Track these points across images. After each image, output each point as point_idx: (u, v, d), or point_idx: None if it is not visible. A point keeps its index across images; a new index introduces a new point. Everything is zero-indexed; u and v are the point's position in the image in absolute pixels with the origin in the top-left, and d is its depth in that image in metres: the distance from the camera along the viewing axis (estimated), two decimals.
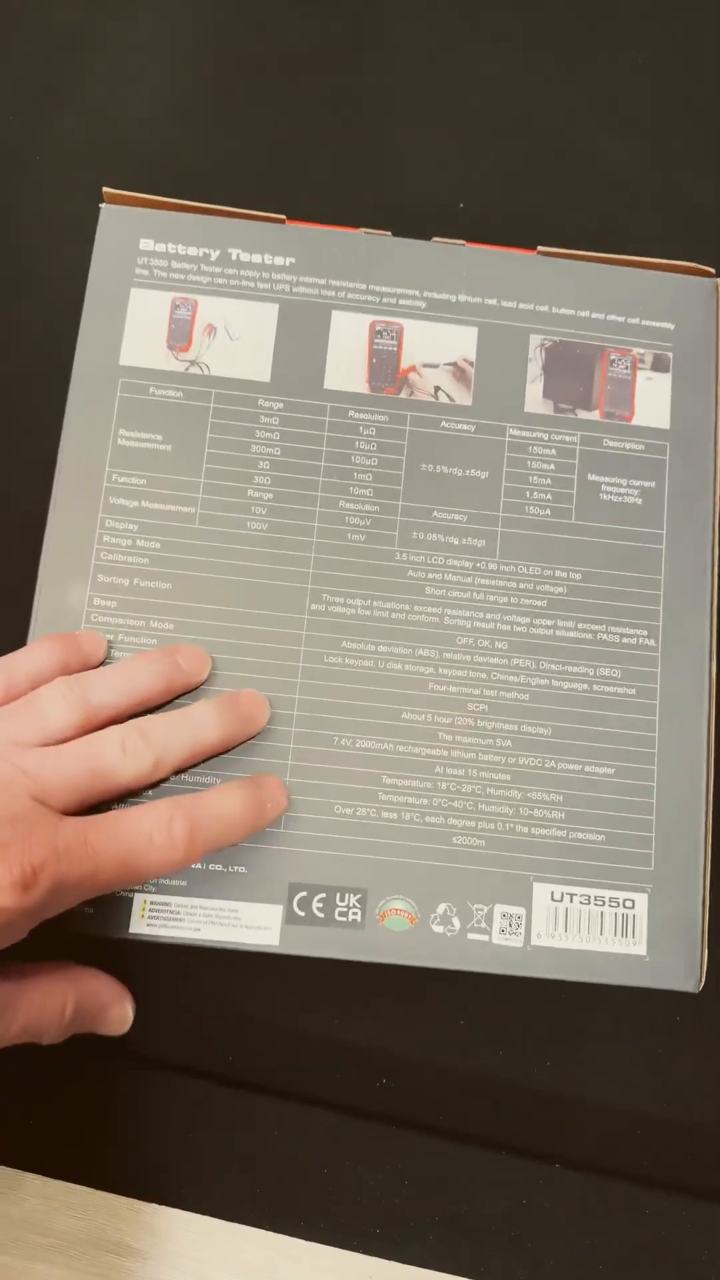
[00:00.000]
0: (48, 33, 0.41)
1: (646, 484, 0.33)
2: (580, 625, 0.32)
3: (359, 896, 0.30)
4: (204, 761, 0.30)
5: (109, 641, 0.31)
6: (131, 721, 0.29)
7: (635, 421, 0.33)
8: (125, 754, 0.28)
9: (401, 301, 0.33)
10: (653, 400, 0.33)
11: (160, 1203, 0.32)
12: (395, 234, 0.34)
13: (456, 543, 0.32)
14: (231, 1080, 0.33)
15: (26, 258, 0.39)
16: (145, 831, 0.27)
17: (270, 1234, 0.32)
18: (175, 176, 0.40)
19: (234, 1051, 0.33)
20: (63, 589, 0.31)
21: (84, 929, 0.30)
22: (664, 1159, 0.33)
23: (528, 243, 0.39)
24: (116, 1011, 0.29)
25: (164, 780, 0.30)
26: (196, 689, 0.31)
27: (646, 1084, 0.34)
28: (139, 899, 0.30)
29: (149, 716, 0.30)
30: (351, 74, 0.41)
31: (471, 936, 0.30)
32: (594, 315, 0.34)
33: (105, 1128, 0.33)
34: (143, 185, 0.38)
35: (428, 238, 0.34)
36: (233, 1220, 0.32)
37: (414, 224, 0.39)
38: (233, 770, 0.31)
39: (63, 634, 0.31)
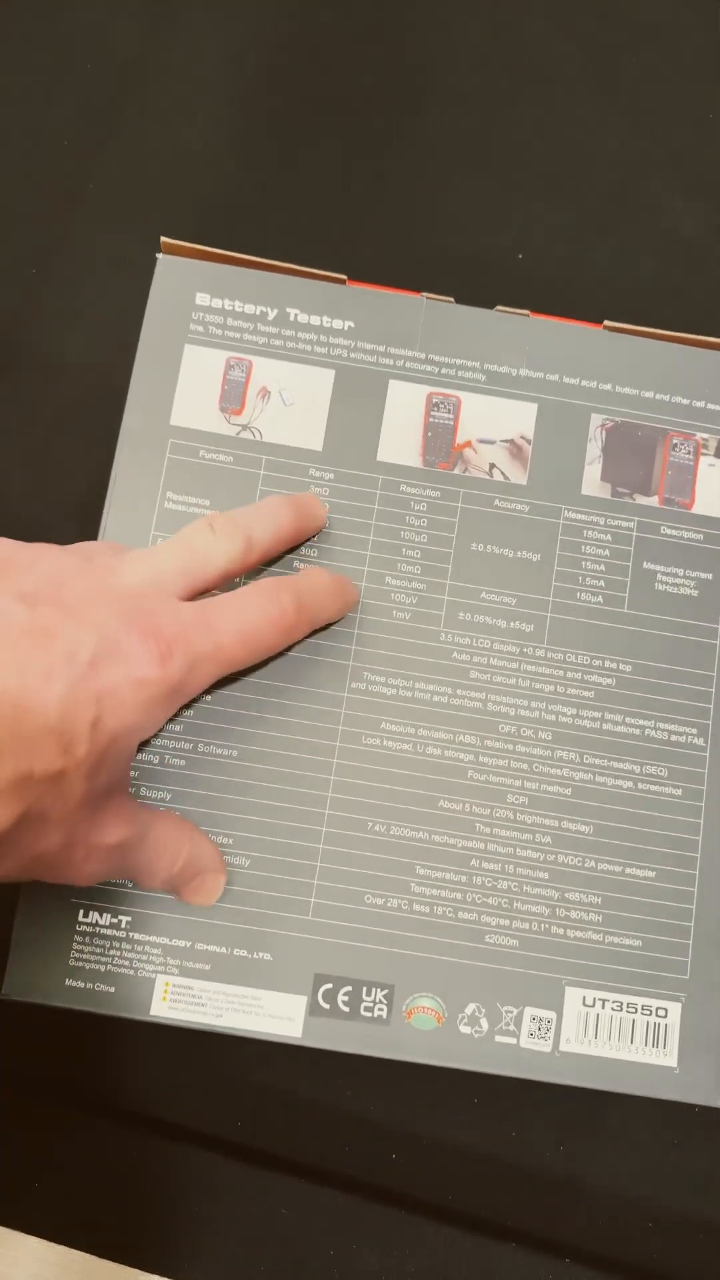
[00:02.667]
0: (104, 64, 0.40)
1: (703, 575, 0.32)
2: (628, 719, 0.31)
3: (386, 992, 0.29)
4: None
5: None
6: (212, 513, 0.30)
7: (695, 509, 0.32)
8: (215, 533, 0.28)
9: (460, 373, 0.32)
10: (714, 488, 0.32)
11: (161, 1274, 0.32)
12: (452, 287, 0.33)
13: (504, 626, 0.31)
14: (240, 1151, 0.32)
15: (77, 292, 0.38)
16: (257, 604, 0.28)
17: None
18: (228, 215, 0.39)
19: (243, 1118, 0.33)
20: None
21: (104, 1008, 0.29)
22: (677, 1256, 0.32)
23: (585, 301, 0.38)
24: (212, 880, 0.29)
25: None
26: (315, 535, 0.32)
27: (662, 1177, 0.33)
28: (160, 981, 0.29)
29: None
30: (412, 118, 0.40)
31: (499, 1039, 0.29)
32: (658, 396, 0.32)
33: (109, 1194, 0.32)
34: (196, 222, 0.37)
35: (487, 297, 0.33)
36: None
37: (470, 274, 0.38)
38: (262, 832, 0.30)
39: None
